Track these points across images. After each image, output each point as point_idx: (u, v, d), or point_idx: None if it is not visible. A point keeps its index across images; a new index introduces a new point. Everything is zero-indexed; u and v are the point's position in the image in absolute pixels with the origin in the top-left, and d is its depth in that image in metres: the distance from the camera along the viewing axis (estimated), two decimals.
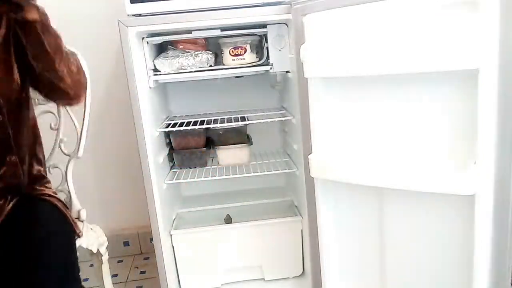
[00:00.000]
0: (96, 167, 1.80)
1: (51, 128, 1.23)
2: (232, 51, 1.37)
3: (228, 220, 1.57)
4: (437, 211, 0.96)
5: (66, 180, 1.24)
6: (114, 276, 1.72)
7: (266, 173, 1.46)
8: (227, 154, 1.51)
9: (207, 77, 1.38)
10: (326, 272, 1.18)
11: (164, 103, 1.62)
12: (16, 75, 0.93)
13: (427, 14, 0.86)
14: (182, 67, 1.35)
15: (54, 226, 0.94)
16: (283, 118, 1.45)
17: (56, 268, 0.86)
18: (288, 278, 1.50)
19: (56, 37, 0.95)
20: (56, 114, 1.26)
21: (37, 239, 0.87)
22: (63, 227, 0.97)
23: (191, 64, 1.35)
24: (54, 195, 1.02)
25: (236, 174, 1.46)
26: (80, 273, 0.94)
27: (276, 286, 1.48)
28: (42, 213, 0.95)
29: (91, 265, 1.27)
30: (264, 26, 1.33)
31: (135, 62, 1.21)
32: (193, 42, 1.38)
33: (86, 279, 1.54)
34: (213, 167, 1.53)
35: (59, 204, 0.99)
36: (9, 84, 0.93)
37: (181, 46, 1.37)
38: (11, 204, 0.92)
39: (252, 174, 1.45)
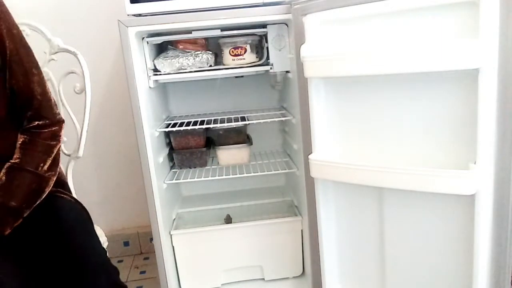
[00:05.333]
0: (96, 167, 1.80)
1: None
2: (232, 51, 1.37)
3: (228, 220, 1.57)
4: (437, 211, 0.96)
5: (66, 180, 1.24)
6: None
7: (266, 173, 1.46)
8: (227, 154, 1.51)
9: (207, 77, 1.38)
10: (326, 272, 1.18)
11: (164, 103, 1.62)
12: None
13: (427, 14, 0.86)
14: (182, 67, 1.35)
15: (81, 216, 0.96)
16: (283, 118, 1.45)
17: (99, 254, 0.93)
18: (288, 278, 1.50)
19: None
20: None
21: (74, 229, 0.91)
22: (87, 216, 0.99)
23: (191, 64, 1.35)
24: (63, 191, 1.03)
25: (236, 174, 1.46)
26: None
27: (276, 286, 1.48)
28: (64, 205, 0.95)
29: None
30: (264, 26, 1.33)
31: (135, 62, 1.20)
32: (193, 42, 1.38)
33: None
34: (213, 167, 1.54)
35: (72, 199, 1.01)
36: None
37: (181, 46, 1.37)
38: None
39: (252, 174, 1.45)
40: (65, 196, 0.98)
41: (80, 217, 0.96)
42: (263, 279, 1.49)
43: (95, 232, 0.98)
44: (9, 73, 0.91)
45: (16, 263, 0.85)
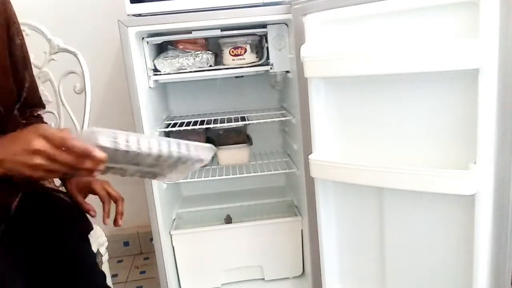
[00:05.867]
0: None
1: None
2: (232, 51, 1.37)
3: (228, 220, 1.57)
4: (437, 211, 0.96)
5: None
6: (114, 276, 1.72)
7: (266, 173, 1.46)
8: (227, 154, 1.51)
9: (207, 77, 1.38)
10: (326, 272, 1.18)
11: (164, 103, 1.62)
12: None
13: (427, 14, 0.86)
14: (182, 67, 1.35)
15: (74, 215, 0.95)
16: (283, 118, 1.45)
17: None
18: (288, 278, 1.50)
19: None
20: (56, 114, 1.27)
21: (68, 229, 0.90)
22: (82, 217, 0.98)
23: (191, 64, 1.35)
24: (57, 188, 1.03)
25: (236, 174, 1.46)
26: None
27: (276, 286, 1.48)
28: (56, 204, 0.94)
29: None
30: (264, 26, 1.33)
31: (135, 62, 1.21)
32: (193, 42, 1.38)
33: None
34: (213, 167, 1.53)
35: (66, 197, 1.00)
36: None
37: (181, 46, 1.37)
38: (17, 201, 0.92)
39: (252, 174, 1.45)
40: (61, 195, 0.98)
41: (73, 217, 0.95)
42: (263, 279, 1.49)
43: (87, 235, 0.98)
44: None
45: (15, 257, 0.85)
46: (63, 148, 0.63)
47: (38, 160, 0.62)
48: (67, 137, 0.63)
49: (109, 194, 0.96)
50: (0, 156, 0.63)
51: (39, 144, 0.62)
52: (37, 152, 0.62)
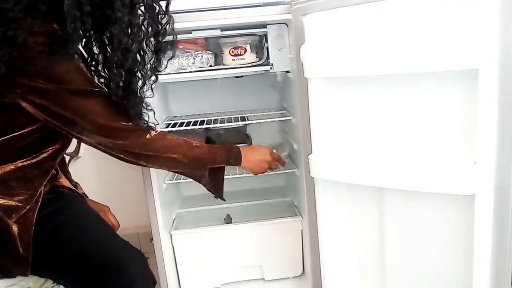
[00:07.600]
0: (96, 167, 1.80)
1: None
2: (232, 51, 1.37)
3: (228, 220, 1.57)
4: (437, 211, 0.96)
5: None
6: None
7: (266, 173, 1.45)
8: None
9: (207, 77, 1.38)
10: (326, 272, 1.18)
11: (164, 103, 1.62)
12: None
13: (427, 14, 0.86)
14: (182, 67, 1.35)
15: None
16: (283, 118, 1.45)
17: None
18: (288, 278, 1.50)
19: None
20: None
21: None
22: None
23: (191, 64, 1.35)
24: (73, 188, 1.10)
25: (236, 174, 1.46)
26: None
27: (276, 286, 1.48)
28: (74, 198, 1.04)
29: None
30: (264, 26, 1.33)
31: None
32: (193, 42, 1.38)
33: None
34: None
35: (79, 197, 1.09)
36: None
37: (181, 46, 1.37)
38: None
39: (252, 174, 1.45)
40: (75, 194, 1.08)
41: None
42: (263, 279, 1.49)
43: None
44: None
45: None
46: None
47: (266, 166, 1.19)
48: (279, 157, 1.25)
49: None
50: (254, 160, 1.17)
51: (269, 158, 1.19)
52: (267, 163, 1.19)
